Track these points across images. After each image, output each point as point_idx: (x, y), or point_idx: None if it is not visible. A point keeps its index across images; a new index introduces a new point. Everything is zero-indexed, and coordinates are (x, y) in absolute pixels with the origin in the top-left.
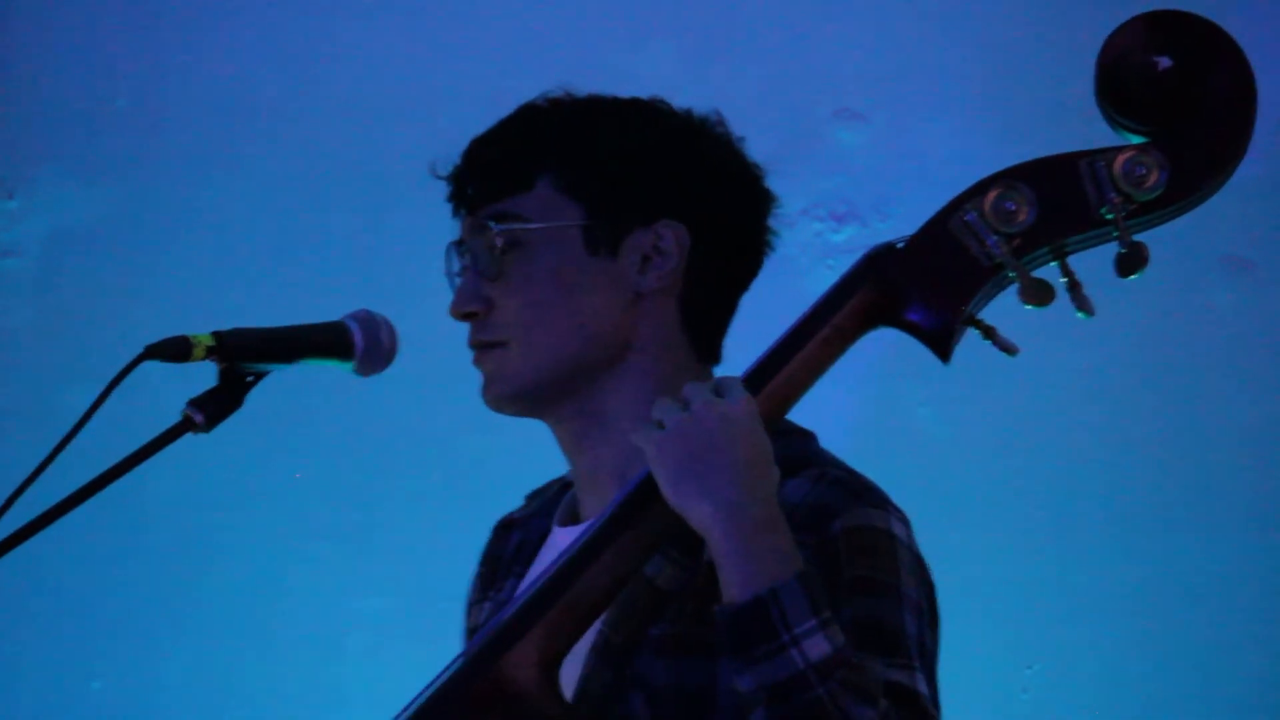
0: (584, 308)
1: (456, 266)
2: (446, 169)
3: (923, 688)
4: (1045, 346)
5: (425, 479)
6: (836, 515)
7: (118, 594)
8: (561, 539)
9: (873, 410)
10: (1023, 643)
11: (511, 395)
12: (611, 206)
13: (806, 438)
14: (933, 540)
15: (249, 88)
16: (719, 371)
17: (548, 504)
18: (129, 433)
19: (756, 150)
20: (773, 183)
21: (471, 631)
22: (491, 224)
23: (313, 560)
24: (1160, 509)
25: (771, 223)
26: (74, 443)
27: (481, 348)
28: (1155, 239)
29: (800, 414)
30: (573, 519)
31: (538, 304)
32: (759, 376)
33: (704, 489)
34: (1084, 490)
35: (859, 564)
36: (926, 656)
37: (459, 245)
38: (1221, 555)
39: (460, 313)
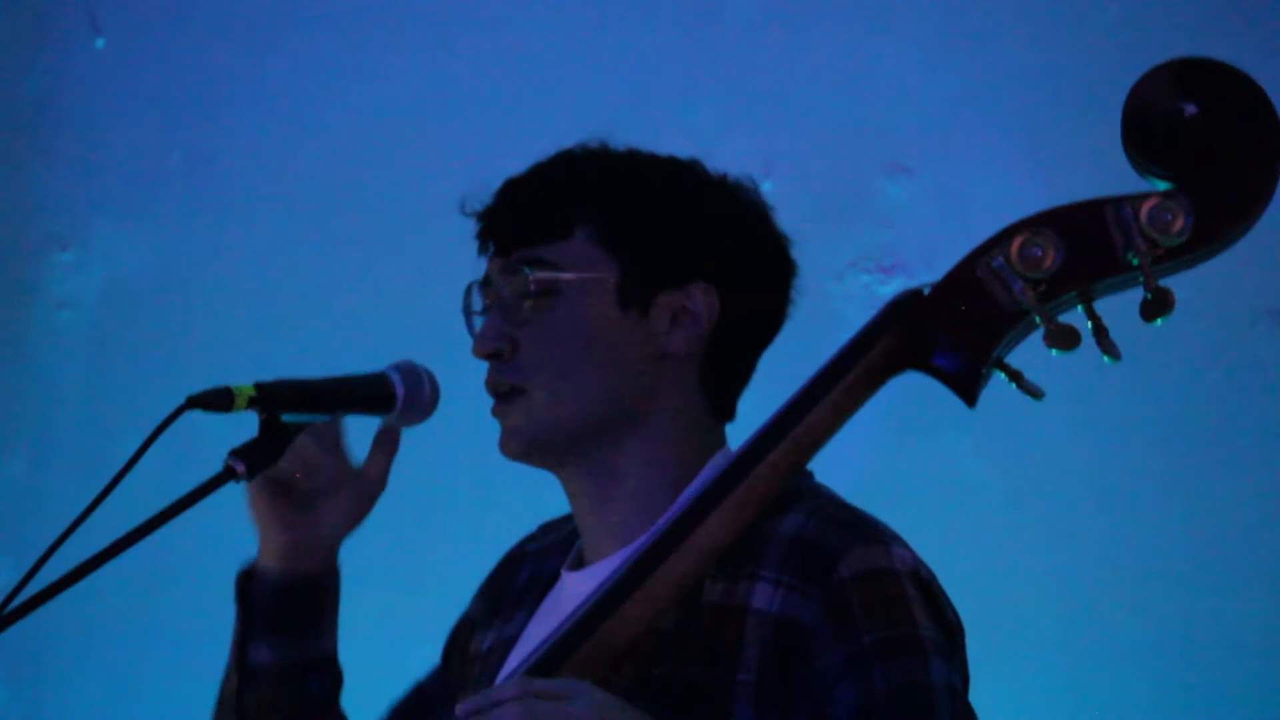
0: (609, 364)
1: (479, 305)
2: (476, 206)
3: None
4: (1101, 393)
5: (477, 525)
6: (839, 557)
7: (169, 636)
8: (570, 584)
9: (921, 460)
10: (1071, 692)
11: (529, 447)
12: (647, 264)
13: (801, 474)
14: (982, 589)
15: (301, 141)
16: (731, 430)
17: (561, 543)
18: (185, 481)
19: (804, 204)
20: (820, 235)
21: (474, 658)
22: (526, 269)
23: (367, 608)
24: (1217, 559)
25: (793, 293)
26: (123, 490)
27: (502, 394)
28: (1203, 285)
29: (849, 465)
30: (578, 564)
31: (564, 355)
32: (784, 422)
33: None
34: (1140, 538)
35: (875, 622)
36: (959, 701)
37: (484, 285)
38: None
39: (484, 352)
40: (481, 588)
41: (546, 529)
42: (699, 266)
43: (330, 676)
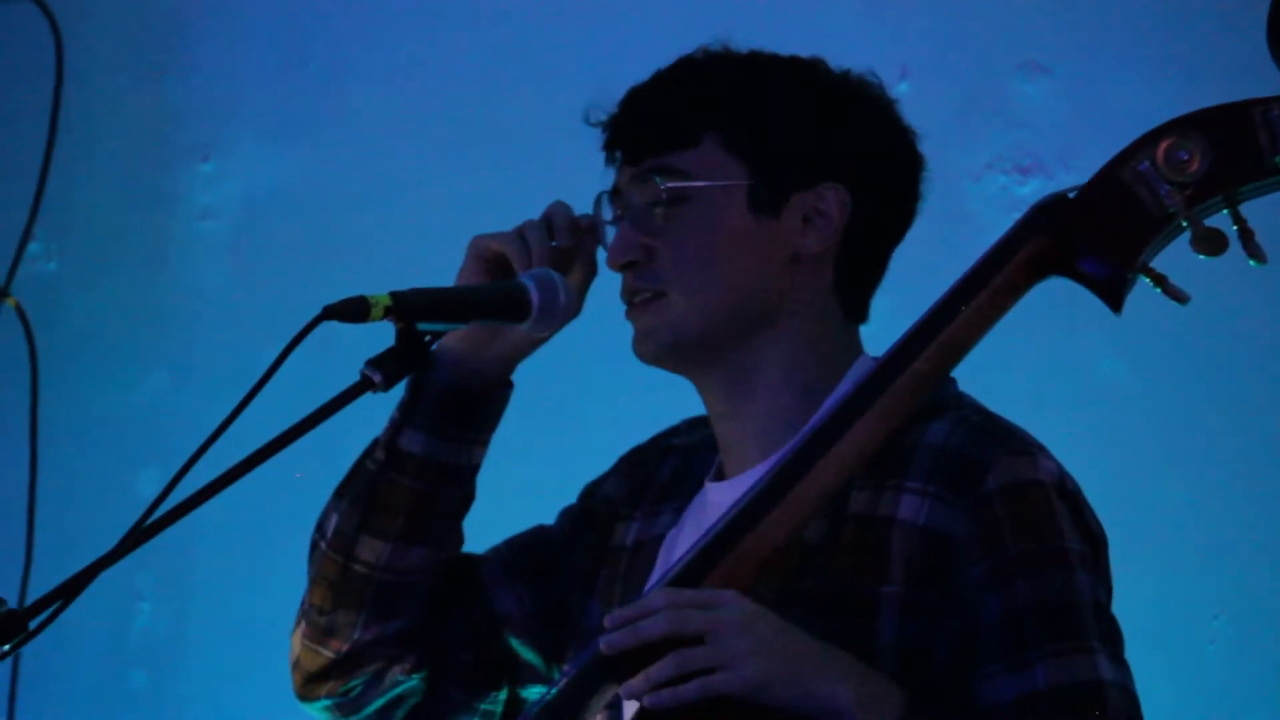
0: (745, 268)
1: (609, 215)
2: (601, 116)
3: (1104, 672)
4: (1239, 293)
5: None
6: (986, 469)
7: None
8: (714, 494)
9: (1056, 362)
10: (1209, 592)
11: (669, 348)
12: (776, 167)
13: (946, 381)
14: (1118, 490)
15: (441, 51)
16: (865, 330)
17: (706, 442)
18: (325, 390)
19: (941, 104)
20: (957, 136)
21: (618, 549)
22: (657, 178)
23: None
24: None
25: (922, 188)
26: (264, 401)
27: (640, 300)
28: None
29: (983, 368)
30: (721, 476)
31: (700, 261)
32: (930, 326)
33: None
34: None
35: (1022, 535)
36: (1103, 615)
37: (613, 195)
38: None
39: (620, 262)
40: (622, 466)
41: (691, 425)
42: (828, 166)
43: (464, 492)
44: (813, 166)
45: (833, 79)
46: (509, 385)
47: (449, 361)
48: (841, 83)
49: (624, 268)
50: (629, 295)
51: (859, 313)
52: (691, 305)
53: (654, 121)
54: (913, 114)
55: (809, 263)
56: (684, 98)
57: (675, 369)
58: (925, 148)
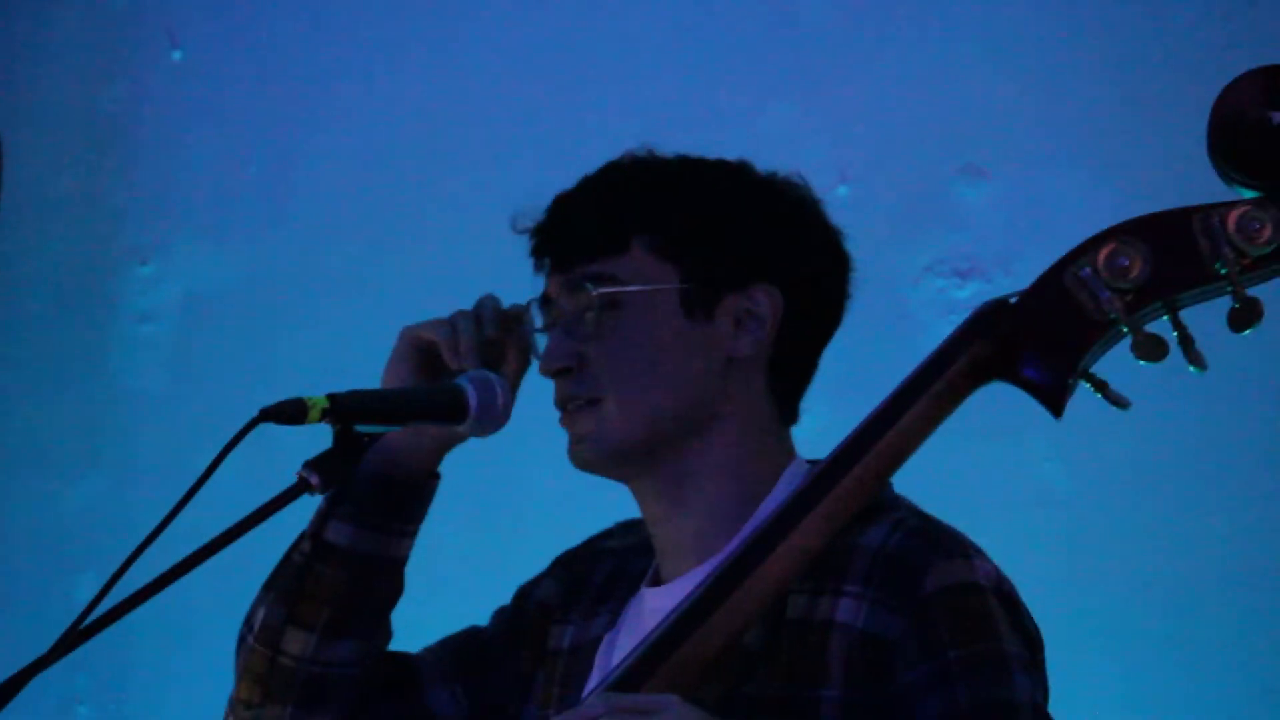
0: (679, 372)
1: (540, 323)
2: (528, 223)
3: None
4: (1179, 398)
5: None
6: (923, 572)
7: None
8: (650, 599)
9: (996, 465)
10: (1146, 695)
11: (604, 455)
12: (708, 270)
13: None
14: (1062, 594)
15: (378, 151)
16: (803, 434)
17: (641, 546)
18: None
19: (880, 208)
20: (896, 240)
21: (555, 653)
22: (588, 285)
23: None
24: None
25: (850, 286)
26: (203, 503)
27: (574, 406)
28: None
29: (923, 471)
30: (657, 580)
31: (633, 367)
32: (871, 431)
33: None
34: (1223, 544)
35: (960, 638)
36: (1040, 716)
37: (544, 302)
38: None
39: (552, 369)
40: (556, 568)
41: (626, 527)
42: (759, 267)
43: (392, 584)
44: (743, 268)
45: (760, 181)
46: (436, 476)
47: (376, 452)
48: (768, 184)
49: (557, 374)
50: (563, 402)
51: (791, 414)
52: (626, 411)
53: (582, 228)
54: (852, 217)
55: (743, 365)
56: (611, 203)
57: (610, 474)
58: (864, 251)
